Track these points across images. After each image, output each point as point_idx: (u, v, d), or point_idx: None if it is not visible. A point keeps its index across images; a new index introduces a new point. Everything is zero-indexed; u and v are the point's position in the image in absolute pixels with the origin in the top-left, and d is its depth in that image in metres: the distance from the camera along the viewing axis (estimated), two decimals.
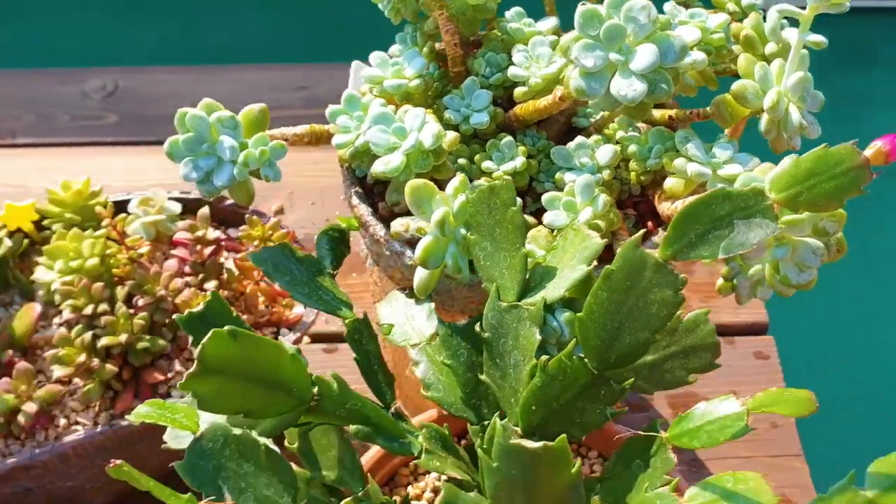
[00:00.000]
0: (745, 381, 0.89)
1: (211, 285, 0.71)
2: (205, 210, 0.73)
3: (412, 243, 0.53)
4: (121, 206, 0.76)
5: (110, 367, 0.65)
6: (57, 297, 0.69)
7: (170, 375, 0.69)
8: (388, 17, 0.58)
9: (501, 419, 0.45)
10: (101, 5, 2.29)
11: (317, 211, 1.05)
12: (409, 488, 0.57)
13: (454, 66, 0.55)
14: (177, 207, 0.76)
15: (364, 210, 0.54)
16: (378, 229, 0.53)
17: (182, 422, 0.43)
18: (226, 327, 0.39)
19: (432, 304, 0.52)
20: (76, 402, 0.68)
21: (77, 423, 0.67)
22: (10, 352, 0.66)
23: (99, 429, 0.65)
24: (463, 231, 0.47)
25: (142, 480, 0.37)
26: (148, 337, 0.67)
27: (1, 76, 1.42)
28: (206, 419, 0.44)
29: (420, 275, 0.48)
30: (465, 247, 0.47)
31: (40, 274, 0.70)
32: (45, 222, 0.73)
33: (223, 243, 0.72)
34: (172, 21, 2.24)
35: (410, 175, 0.50)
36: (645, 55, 0.42)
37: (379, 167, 0.49)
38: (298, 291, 0.49)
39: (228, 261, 0.74)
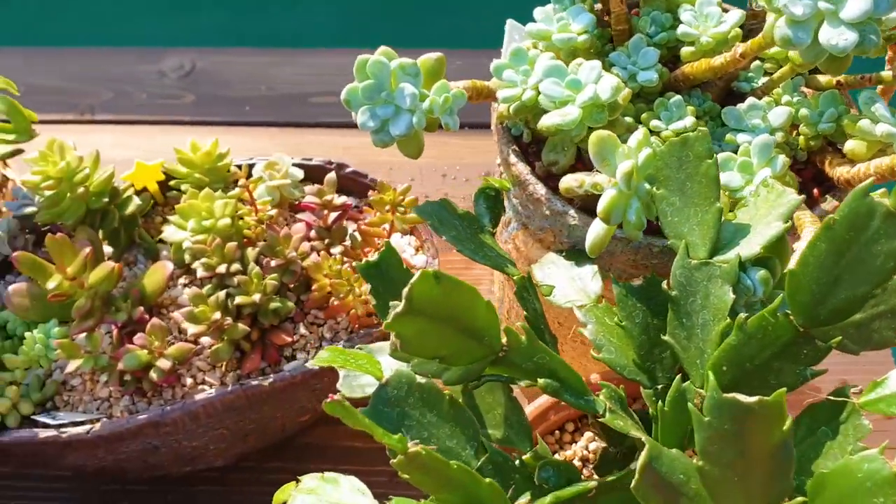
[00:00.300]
0: None
1: (337, 250, 0.70)
2: (332, 176, 0.72)
3: (572, 202, 0.52)
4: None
5: (242, 327, 0.65)
6: (187, 257, 0.69)
7: (295, 338, 0.68)
8: None
9: (684, 381, 0.44)
10: None
11: (416, 187, 1.04)
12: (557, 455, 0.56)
13: (618, 23, 0.54)
14: (299, 173, 0.75)
15: (523, 168, 0.53)
16: (539, 188, 0.52)
17: (365, 367, 0.43)
18: (430, 269, 0.38)
19: (595, 266, 0.51)
20: (202, 361, 0.68)
21: (204, 382, 0.67)
22: (141, 309, 0.66)
23: (230, 388, 0.64)
24: (646, 185, 0.45)
25: (357, 417, 0.36)
26: (278, 298, 0.67)
27: (80, 53, 1.44)
28: (389, 366, 0.43)
29: (596, 232, 0.47)
30: (646, 202, 0.46)
31: (170, 233, 0.70)
32: (172, 183, 0.73)
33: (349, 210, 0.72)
34: (248, 2, 2.25)
35: (583, 130, 0.49)
36: (858, 3, 0.41)
37: (553, 119, 0.48)
38: (465, 247, 0.48)
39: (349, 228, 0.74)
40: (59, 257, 0.63)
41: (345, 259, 0.69)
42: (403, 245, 0.75)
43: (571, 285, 0.50)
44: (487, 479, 0.36)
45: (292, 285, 0.69)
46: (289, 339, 0.67)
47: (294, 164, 0.75)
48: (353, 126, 1.44)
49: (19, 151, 0.72)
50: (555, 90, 0.48)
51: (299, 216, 0.76)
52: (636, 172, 0.45)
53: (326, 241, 0.71)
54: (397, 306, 0.37)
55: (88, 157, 0.68)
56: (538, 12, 0.54)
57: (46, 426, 0.64)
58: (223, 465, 0.72)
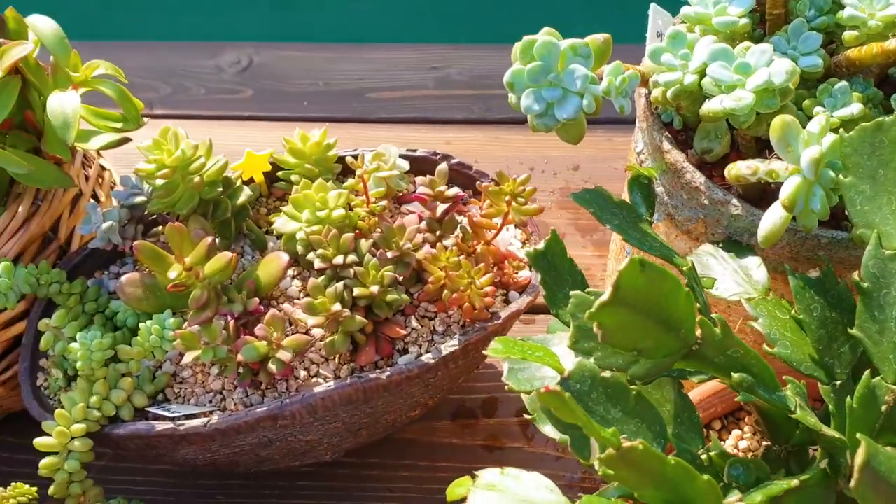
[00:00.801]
0: None
1: (449, 242, 0.69)
2: (444, 166, 0.71)
3: (731, 190, 0.50)
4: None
5: (360, 319, 0.64)
6: (299, 248, 0.68)
7: (407, 331, 0.67)
8: None
9: (873, 376, 0.42)
10: None
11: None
12: None
13: (773, 7, 0.52)
14: (405, 164, 0.74)
15: (678, 156, 0.51)
16: (697, 176, 0.50)
17: (543, 359, 0.41)
18: (631, 257, 0.36)
19: (759, 257, 0.49)
20: (315, 353, 0.66)
21: (318, 374, 0.66)
22: (256, 300, 0.65)
23: (348, 381, 0.63)
24: (830, 173, 0.43)
25: (572, 409, 0.34)
26: (394, 290, 0.66)
27: (138, 48, 1.43)
28: (570, 360, 0.41)
29: (772, 221, 0.45)
30: (829, 190, 0.44)
31: (281, 223, 0.68)
32: (280, 174, 0.72)
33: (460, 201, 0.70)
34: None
35: (751, 117, 0.47)
36: None
37: (725, 104, 0.46)
38: (630, 236, 0.47)
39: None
40: (177, 247, 0.62)
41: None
42: (510, 238, 0.74)
43: (734, 277, 0.48)
44: (705, 476, 0.34)
45: (403, 278, 0.67)
46: (403, 332, 0.66)
47: (401, 156, 0.74)
48: (412, 121, 1.43)
49: (127, 140, 0.71)
50: (723, 74, 0.46)
51: (408, 207, 0.74)
52: (821, 159, 0.43)
53: (437, 233, 0.70)
54: (602, 295, 0.36)
55: (202, 146, 0.66)
56: None
57: (162, 419, 0.63)
58: (330, 461, 0.71)
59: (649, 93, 0.53)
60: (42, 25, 0.66)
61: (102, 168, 0.79)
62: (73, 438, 0.60)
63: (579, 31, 0.51)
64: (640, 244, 0.46)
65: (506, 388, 0.44)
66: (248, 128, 1.25)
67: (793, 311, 0.45)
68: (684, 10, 0.52)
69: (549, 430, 0.49)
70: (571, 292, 0.40)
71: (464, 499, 0.40)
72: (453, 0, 2.24)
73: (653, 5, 0.57)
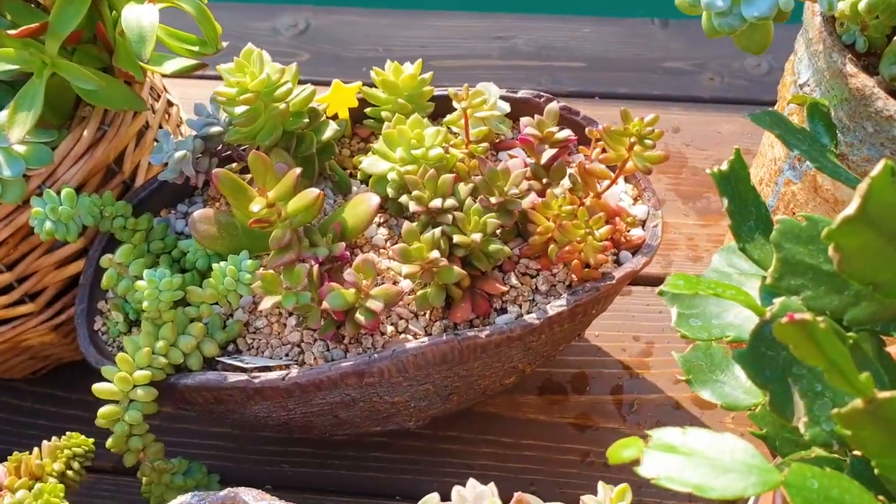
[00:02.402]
0: None
1: (558, 191, 0.61)
2: (553, 106, 0.63)
3: None
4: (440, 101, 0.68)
5: (458, 270, 0.56)
6: (390, 190, 0.61)
7: (507, 288, 0.59)
8: None
9: None
10: None
11: None
12: None
13: None
14: (506, 106, 0.66)
15: (867, 80, 0.43)
16: (890, 104, 0.42)
17: (735, 297, 0.33)
18: (885, 162, 0.28)
19: None
20: (403, 307, 0.59)
21: (406, 330, 0.59)
22: (342, 244, 0.58)
23: (443, 337, 0.56)
24: None
25: (833, 347, 0.27)
26: (497, 239, 0.58)
27: None
28: (770, 298, 0.34)
29: None
30: None
31: (370, 163, 0.61)
32: (369, 110, 0.65)
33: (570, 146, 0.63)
34: None
35: None
36: None
37: None
38: (822, 164, 0.39)
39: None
40: (261, 179, 0.55)
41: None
42: (619, 194, 0.66)
43: None
44: None
45: (504, 229, 0.60)
46: (503, 289, 0.59)
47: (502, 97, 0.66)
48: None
49: (203, 66, 0.64)
50: None
51: (502, 156, 0.67)
52: None
53: (544, 180, 0.62)
54: (847, 209, 0.28)
55: (288, 72, 0.60)
56: None
57: (234, 370, 0.56)
58: (407, 430, 0.64)
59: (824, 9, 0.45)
60: None
61: (169, 103, 0.73)
62: (135, 386, 0.54)
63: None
64: (832, 173, 0.39)
65: (678, 334, 0.37)
66: None
67: None
68: None
69: (706, 393, 0.41)
70: (778, 217, 0.33)
71: (632, 462, 0.32)
72: None
73: None
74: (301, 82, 1.27)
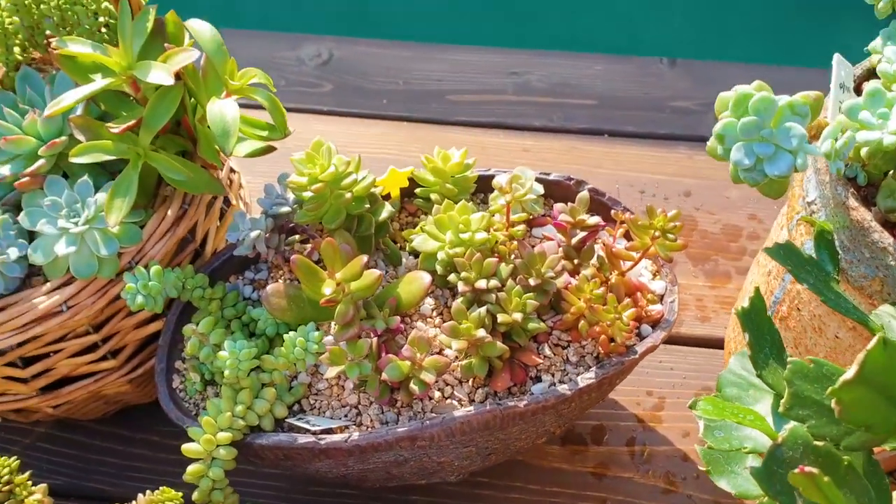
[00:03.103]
0: None
1: (588, 272, 0.68)
2: (585, 194, 0.70)
3: None
4: (481, 181, 0.75)
5: (501, 345, 0.64)
6: (439, 268, 0.68)
7: (542, 360, 0.67)
8: (878, 9, 0.54)
9: None
10: None
11: None
12: None
13: None
14: (540, 188, 0.74)
15: (865, 214, 0.51)
16: (885, 237, 0.50)
17: (754, 423, 0.41)
18: (879, 335, 0.36)
19: None
20: (449, 374, 0.67)
21: (452, 396, 0.66)
22: (398, 318, 0.65)
23: (487, 406, 0.63)
24: None
25: (835, 498, 0.34)
26: (534, 317, 0.66)
27: (223, 34, 1.43)
28: (782, 425, 0.41)
29: None
30: None
31: (421, 241, 0.68)
32: (419, 191, 0.72)
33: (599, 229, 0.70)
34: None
35: None
36: None
37: None
38: (826, 297, 0.46)
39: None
40: (330, 262, 0.62)
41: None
42: (640, 269, 0.73)
43: None
44: None
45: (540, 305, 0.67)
46: (539, 361, 0.66)
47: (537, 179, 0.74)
48: (490, 125, 1.40)
49: (272, 149, 0.71)
50: None
51: (535, 232, 0.74)
52: None
53: (575, 261, 0.70)
54: (846, 373, 0.35)
55: (352, 162, 0.67)
56: (890, 52, 0.51)
57: (301, 430, 0.64)
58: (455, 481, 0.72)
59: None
60: (201, 30, 0.67)
61: (232, 170, 0.80)
62: (218, 446, 0.61)
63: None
64: (836, 306, 0.46)
65: (705, 445, 0.44)
66: (327, 122, 1.25)
67: None
68: (881, 67, 0.51)
69: (723, 483, 0.49)
70: (790, 359, 0.40)
71: None
72: (531, 3, 2.23)
73: (836, 56, 0.56)
74: (323, 112, 1.33)
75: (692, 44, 2.15)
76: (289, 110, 1.28)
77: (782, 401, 0.40)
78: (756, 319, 0.44)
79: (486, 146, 1.17)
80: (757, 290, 0.45)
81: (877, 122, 0.49)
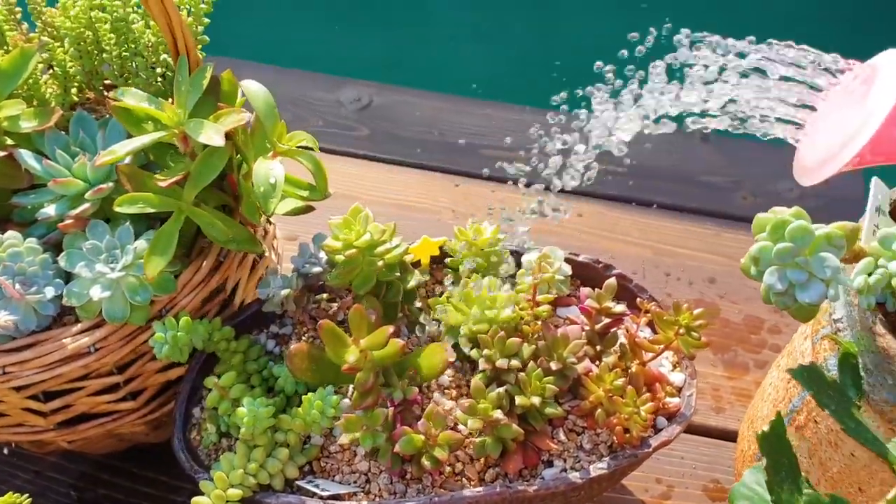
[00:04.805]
0: None
1: (609, 360, 0.69)
2: (612, 282, 0.71)
3: None
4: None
5: (516, 428, 0.64)
6: (462, 341, 0.69)
7: (556, 445, 0.67)
8: None
9: None
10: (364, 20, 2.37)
11: (638, 281, 1.02)
12: None
13: None
14: (568, 269, 0.74)
15: (892, 342, 0.51)
16: None
17: None
18: None
19: None
20: (461, 451, 0.67)
21: (462, 473, 0.66)
22: (416, 389, 0.66)
23: (498, 488, 0.63)
24: None
25: None
26: (551, 402, 0.66)
27: (266, 70, 1.47)
28: None
29: None
30: None
31: (446, 314, 0.69)
32: (449, 261, 0.73)
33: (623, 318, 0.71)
34: (430, 46, 2.29)
35: None
36: None
37: None
38: (847, 424, 0.46)
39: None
40: (356, 330, 0.63)
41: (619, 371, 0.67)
42: (661, 360, 0.74)
43: None
44: None
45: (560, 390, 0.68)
46: (553, 446, 0.66)
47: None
48: (525, 183, 1.40)
49: (311, 209, 0.73)
50: None
51: (560, 312, 0.75)
52: None
53: (598, 347, 0.70)
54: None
55: (388, 230, 0.68)
56: None
57: (308, 493, 0.64)
58: None
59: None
60: (255, 90, 0.69)
61: (268, 221, 0.81)
62: (227, 502, 0.62)
63: None
64: (855, 434, 0.46)
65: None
66: (360, 166, 1.27)
67: None
68: None
69: None
70: (805, 491, 0.40)
71: None
72: (569, 64, 2.27)
73: (875, 179, 0.57)
74: (358, 156, 1.35)
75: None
76: (325, 151, 1.32)
77: None
78: (776, 444, 0.44)
79: (515, 202, 1.17)
80: (778, 414, 0.45)
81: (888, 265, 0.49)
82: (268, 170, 0.65)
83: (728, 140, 1.33)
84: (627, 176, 1.22)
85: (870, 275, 0.44)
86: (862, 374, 0.55)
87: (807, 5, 2.27)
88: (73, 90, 0.73)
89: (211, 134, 0.61)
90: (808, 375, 0.47)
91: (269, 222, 0.81)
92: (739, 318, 0.96)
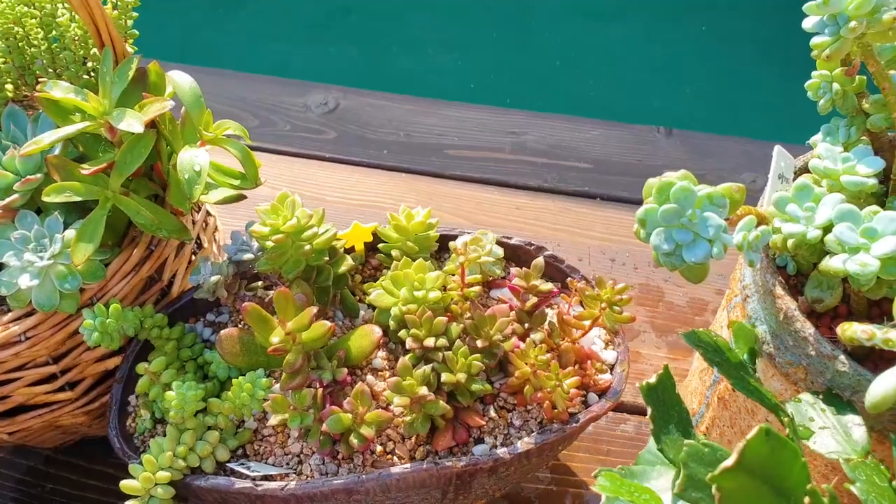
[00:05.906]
0: None
1: (537, 337, 0.70)
2: (540, 261, 0.72)
3: (837, 344, 0.51)
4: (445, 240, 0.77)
5: (444, 405, 0.65)
6: (392, 323, 0.70)
7: (485, 422, 0.68)
8: (819, 106, 0.57)
9: None
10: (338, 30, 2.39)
11: (583, 267, 1.03)
12: None
13: None
14: (500, 251, 0.75)
15: (790, 303, 0.52)
16: (807, 326, 0.51)
17: (650, 502, 0.42)
18: (760, 427, 0.37)
19: (860, 416, 0.49)
20: (392, 430, 0.68)
21: (393, 452, 0.67)
22: (345, 370, 0.67)
23: (424, 465, 0.64)
24: None
25: None
26: (479, 379, 0.67)
27: (232, 77, 1.48)
28: (668, 496, 0.42)
29: (885, 388, 0.45)
30: None
31: (377, 296, 0.70)
32: (381, 246, 0.74)
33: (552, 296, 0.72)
34: (402, 50, 2.31)
35: (871, 281, 0.47)
36: None
37: (848, 267, 0.47)
38: (744, 387, 0.47)
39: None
40: (282, 312, 0.64)
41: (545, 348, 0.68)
42: (593, 338, 0.75)
43: (832, 434, 0.49)
44: None
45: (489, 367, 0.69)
46: (482, 422, 0.67)
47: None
48: (486, 182, 1.43)
49: (243, 197, 0.74)
50: (850, 236, 0.47)
51: (493, 293, 0.76)
52: None
53: (526, 325, 0.71)
54: (726, 459, 0.36)
55: (315, 215, 0.69)
56: (824, 149, 0.53)
57: (241, 476, 0.65)
58: None
59: None
60: (181, 81, 0.70)
61: (208, 213, 0.82)
62: (156, 484, 0.62)
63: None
64: (749, 394, 0.47)
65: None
66: (327, 169, 1.29)
67: (894, 482, 0.45)
68: (812, 162, 0.53)
69: None
70: (685, 441, 0.41)
71: None
72: (532, 66, 2.29)
73: (777, 147, 0.58)
74: (325, 159, 1.36)
75: (689, 115, 2.19)
76: (292, 155, 1.34)
77: (677, 482, 0.41)
78: (663, 396, 0.45)
79: (481, 202, 1.19)
80: (666, 367, 0.46)
81: (803, 215, 0.50)
82: (192, 157, 0.66)
83: (691, 134, 1.35)
84: (592, 171, 1.24)
85: (749, 232, 0.45)
86: (769, 337, 0.56)
87: None
88: (9, 87, 0.74)
89: (131, 121, 0.62)
90: (698, 340, 0.48)
91: (210, 214, 0.82)
92: (684, 301, 0.97)
